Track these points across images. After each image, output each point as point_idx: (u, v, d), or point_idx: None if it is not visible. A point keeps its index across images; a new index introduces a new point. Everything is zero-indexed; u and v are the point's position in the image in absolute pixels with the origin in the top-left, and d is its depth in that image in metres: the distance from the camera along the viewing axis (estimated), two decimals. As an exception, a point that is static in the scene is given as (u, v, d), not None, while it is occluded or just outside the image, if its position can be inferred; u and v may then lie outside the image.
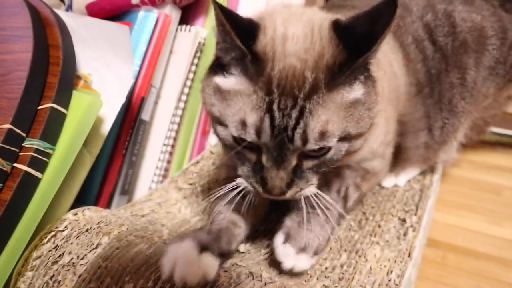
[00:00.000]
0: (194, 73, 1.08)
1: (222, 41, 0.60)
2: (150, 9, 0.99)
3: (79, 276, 0.65)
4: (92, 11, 0.96)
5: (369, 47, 0.55)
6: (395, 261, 0.75)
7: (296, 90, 0.56)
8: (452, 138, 0.99)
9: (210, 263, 0.63)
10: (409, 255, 0.77)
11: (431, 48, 0.91)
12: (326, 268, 0.73)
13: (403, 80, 0.87)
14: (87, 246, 0.70)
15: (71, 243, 0.70)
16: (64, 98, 0.74)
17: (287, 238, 0.69)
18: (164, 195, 0.96)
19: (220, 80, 0.62)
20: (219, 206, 0.73)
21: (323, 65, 0.57)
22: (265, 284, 0.65)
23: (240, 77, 0.59)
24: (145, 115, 1.00)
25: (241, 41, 0.57)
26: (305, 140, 0.57)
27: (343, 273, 0.71)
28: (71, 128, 0.73)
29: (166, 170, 1.08)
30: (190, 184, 1.01)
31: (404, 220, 0.86)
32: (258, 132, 0.57)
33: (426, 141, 0.95)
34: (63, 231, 0.72)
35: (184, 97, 1.07)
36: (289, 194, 0.63)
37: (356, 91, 0.60)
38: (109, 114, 0.82)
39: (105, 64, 0.85)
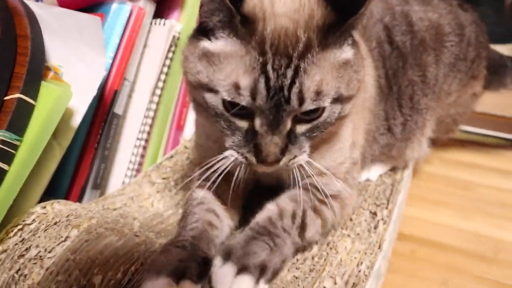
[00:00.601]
0: (169, 67, 1.06)
1: (208, 2, 0.58)
2: (123, 1, 0.97)
3: (47, 269, 0.63)
4: (63, 2, 0.94)
5: (356, 10, 0.56)
6: (365, 253, 0.75)
7: (290, 49, 0.55)
8: (418, 134, 1.00)
9: None
10: (379, 247, 0.77)
11: (388, 49, 0.93)
12: (297, 259, 0.72)
13: (371, 92, 0.88)
14: (55, 239, 0.68)
15: (39, 237, 0.69)
16: (32, 89, 0.72)
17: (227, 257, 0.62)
18: (137, 189, 0.94)
19: (207, 44, 0.60)
20: (197, 193, 0.70)
21: (313, 25, 0.57)
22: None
23: (230, 38, 0.58)
24: (118, 109, 0.98)
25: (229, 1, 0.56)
26: (301, 100, 0.56)
27: (314, 265, 0.71)
28: (39, 119, 0.71)
29: (140, 164, 1.06)
30: (164, 178, 0.99)
31: (375, 214, 0.87)
32: (253, 94, 0.56)
33: (387, 142, 0.96)
34: (30, 224, 0.71)
35: (158, 91, 1.06)
36: (283, 162, 0.61)
37: (346, 52, 0.61)
38: (80, 106, 0.80)
39: (76, 56, 0.83)
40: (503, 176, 1.28)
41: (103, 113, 0.94)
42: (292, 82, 0.55)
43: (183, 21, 1.08)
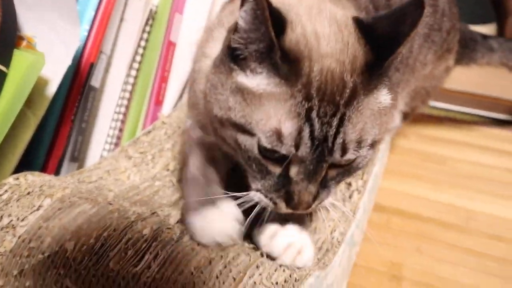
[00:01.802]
0: (147, 40, 1.04)
1: (248, 30, 0.51)
2: (99, -27, 0.94)
3: (19, 237, 0.62)
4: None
5: (394, 49, 0.51)
6: (339, 221, 0.75)
7: (338, 95, 0.50)
8: None
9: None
10: (353, 215, 0.78)
11: None
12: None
13: None
14: (28, 208, 0.66)
15: (11, 206, 0.66)
16: (3, 56, 0.69)
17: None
18: (114, 163, 0.92)
19: (244, 79, 0.53)
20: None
21: (357, 67, 0.52)
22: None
23: (271, 77, 0.52)
24: (95, 82, 0.96)
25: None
26: (344, 151, 0.52)
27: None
28: (12, 87, 0.68)
29: (118, 138, 1.04)
30: (141, 153, 0.97)
31: (349, 184, 0.87)
32: (297, 143, 0.50)
33: None
34: (2, 195, 0.68)
35: (136, 65, 1.04)
36: (312, 208, 0.57)
37: (386, 97, 0.56)
38: (55, 76, 0.78)
39: (50, 26, 0.80)
40: (476, 151, 1.30)
41: (79, 85, 0.91)
42: (337, 132, 0.51)
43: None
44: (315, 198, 0.56)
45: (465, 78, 1.24)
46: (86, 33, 0.90)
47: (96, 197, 0.73)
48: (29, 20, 0.81)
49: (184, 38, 1.16)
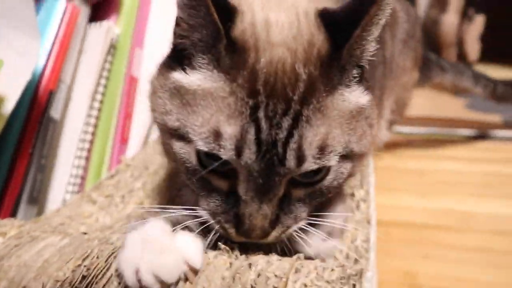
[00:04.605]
0: (109, 71, 0.96)
1: (188, 16, 0.44)
2: (55, -1, 0.87)
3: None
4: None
5: (351, 33, 0.43)
6: (356, 230, 0.67)
7: (289, 90, 0.42)
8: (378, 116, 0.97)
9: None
10: (368, 222, 0.70)
11: None
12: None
13: None
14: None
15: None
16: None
17: None
18: (76, 209, 0.76)
19: (181, 76, 0.46)
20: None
21: (313, 56, 0.43)
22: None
23: (210, 71, 0.44)
24: (55, 113, 0.84)
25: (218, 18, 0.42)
26: (300, 159, 0.42)
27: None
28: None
29: (83, 178, 0.91)
30: (107, 196, 0.82)
31: (352, 195, 0.79)
32: (239, 148, 0.41)
33: None
34: None
35: (99, 97, 0.94)
36: (272, 237, 0.46)
37: (359, 96, 0.47)
38: (12, 92, 0.66)
39: (7, 38, 0.70)
40: (448, 162, 1.32)
41: (37, 114, 0.79)
42: (290, 135, 0.41)
43: (120, 25, 1.00)
44: (273, 223, 0.44)
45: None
46: (44, 59, 0.81)
47: (66, 230, 0.59)
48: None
49: (146, 73, 1.09)
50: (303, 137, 0.41)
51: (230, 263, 0.44)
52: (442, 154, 1.35)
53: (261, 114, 0.41)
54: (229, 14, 0.44)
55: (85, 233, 0.59)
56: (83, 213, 0.76)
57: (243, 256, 0.46)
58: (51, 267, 0.46)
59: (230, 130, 0.41)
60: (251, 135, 0.41)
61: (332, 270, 0.43)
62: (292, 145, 0.41)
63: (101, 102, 0.94)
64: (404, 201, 1.08)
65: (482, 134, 1.50)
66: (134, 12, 1.03)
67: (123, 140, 1.03)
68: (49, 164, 0.85)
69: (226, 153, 0.41)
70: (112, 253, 0.47)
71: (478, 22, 2.05)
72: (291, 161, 0.42)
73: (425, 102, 1.39)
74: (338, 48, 0.44)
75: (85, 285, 0.44)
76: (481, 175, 1.21)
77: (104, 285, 0.43)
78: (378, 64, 0.89)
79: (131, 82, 1.05)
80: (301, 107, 0.42)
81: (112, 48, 0.96)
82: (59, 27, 0.84)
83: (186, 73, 0.46)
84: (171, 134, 0.46)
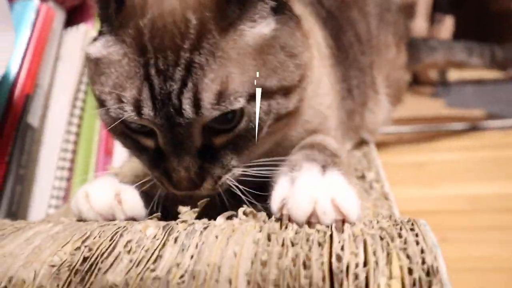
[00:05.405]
0: (89, 76, 0.90)
1: None
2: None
3: None
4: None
5: None
6: (376, 206, 0.62)
7: (178, 39, 0.40)
8: (372, 92, 0.92)
9: None
10: (386, 199, 0.65)
11: (323, 12, 0.85)
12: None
13: (326, 52, 0.80)
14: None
15: None
16: None
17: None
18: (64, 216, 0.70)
19: (91, 48, 0.46)
20: None
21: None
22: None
23: (107, 37, 0.44)
24: (32, 119, 0.77)
25: None
26: (197, 107, 0.41)
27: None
28: None
29: (67, 190, 0.83)
30: None
31: (363, 177, 0.74)
32: (138, 107, 0.41)
33: (350, 108, 0.88)
34: None
35: (80, 103, 0.87)
36: (206, 188, 0.45)
37: (264, 26, 0.44)
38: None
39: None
40: (442, 153, 1.31)
41: (14, 120, 0.72)
42: (183, 85, 0.40)
43: (97, 29, 0.95)
44: (201, 175, 0.44)
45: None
46: (19, 60, 0.75)
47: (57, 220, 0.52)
48: None
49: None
50: (197, 85, 0.40)
51: (260, 227, 0.38)
52: (436, 147, 1.34)
53: (152, 70, 0.41)
54: None
55: (81, 220, 0.51)
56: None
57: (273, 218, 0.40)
58: (43, 253, 0.39)
59: (128, 93, 0.41)
60: (145, 93, 0.41)
61: (379, 221, 0.38)
62: (186, 94, 0.40)
63: (83, 109, 0.88)
64: (406, 192, 1.05)
65: (471, 126, 1.50)
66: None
67: (107, 151, 0.96)
68: (29, 175, 0.77)
69: (128, 114, 0.42)
70: (116, 232, 0.40)
71: (448, 23, 2.10)
72: (188, 111, 0.41)
73: (407, 106, 1.38)
74: None
75: (87, 266, 0.36)
76: (478, 161, 1.21)
77: (112, 263, 0.36)
78: (352, 44, 0.87)
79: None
80: (192, 54, 0.40)
81: (91, 53, 0.90)
82: (33, 27, 0.79)
83: (94, 43, 0.46)
84: (99, 104, 0.45)
